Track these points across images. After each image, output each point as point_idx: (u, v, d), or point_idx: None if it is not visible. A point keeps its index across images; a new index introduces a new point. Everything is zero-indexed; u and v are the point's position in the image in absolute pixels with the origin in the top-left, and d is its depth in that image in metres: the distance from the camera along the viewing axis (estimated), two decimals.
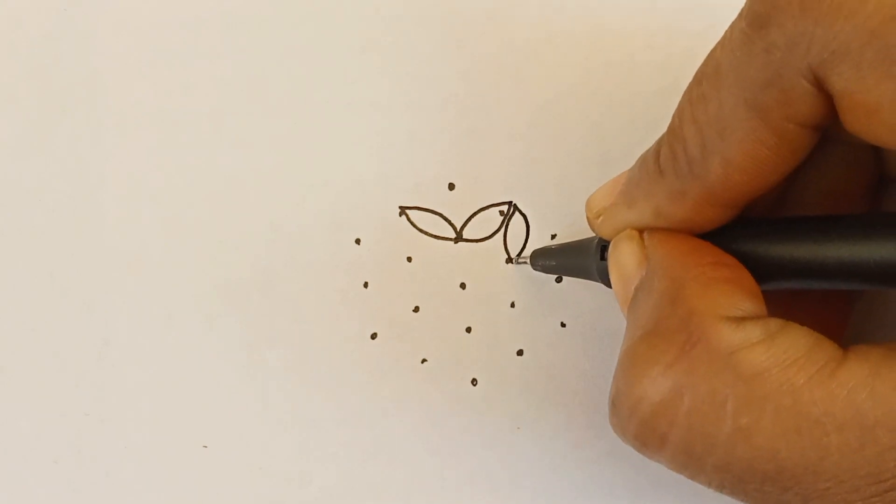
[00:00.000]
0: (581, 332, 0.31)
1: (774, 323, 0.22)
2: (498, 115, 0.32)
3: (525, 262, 0.31)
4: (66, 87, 0.32)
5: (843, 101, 0.20)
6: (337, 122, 0.32)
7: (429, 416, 0.31)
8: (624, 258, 0.25)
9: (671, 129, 0.23)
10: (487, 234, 0.32)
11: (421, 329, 0.32)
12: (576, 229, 0.32)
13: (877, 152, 0.27)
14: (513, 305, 0.32)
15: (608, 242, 0.26)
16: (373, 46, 0.32)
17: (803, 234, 0.23)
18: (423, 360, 0.32)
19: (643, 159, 0.25)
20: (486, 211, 0.32)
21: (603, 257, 0.27)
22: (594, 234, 0.28)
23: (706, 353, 0.21)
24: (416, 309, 0.32)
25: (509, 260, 0.32)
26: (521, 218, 0.32)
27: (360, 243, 0.32)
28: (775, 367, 0.21)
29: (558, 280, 0.32)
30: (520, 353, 0.32)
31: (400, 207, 0.32)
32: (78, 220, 0.32)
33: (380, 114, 0.32)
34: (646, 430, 0.22)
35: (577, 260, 0.29)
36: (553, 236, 0.32)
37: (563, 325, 0.32)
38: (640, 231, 0.25)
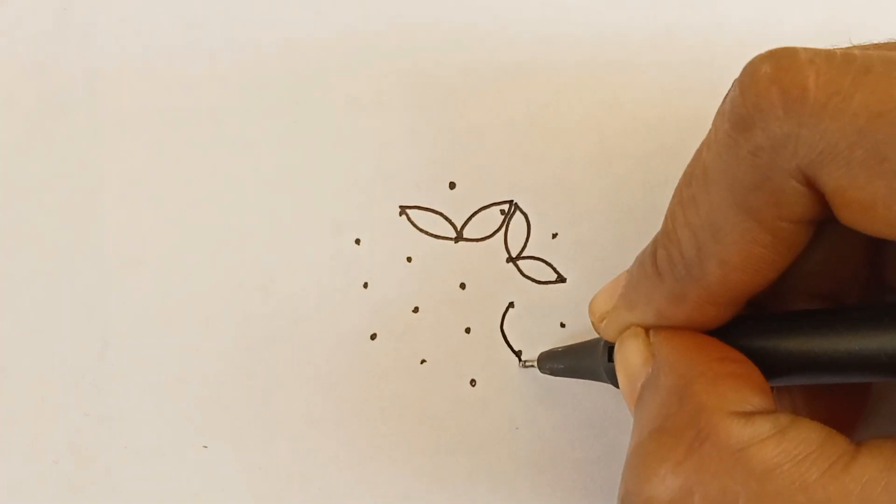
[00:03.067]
0: (581, 333, 0.31)
1: (784, 418, 0.21)
2: (498, 115, 0.32)
3: (532, 366, 0.31)
4: (66, 87, 0.32)
5: (837, 199, 0.20)
6: (337, 122, 0.32)
7: (428, 416, 0.31)
8: (630, 356, 0.25)
9: (665, 231, 0.23)
10: (488, 234, 0.32)
11: (420, 329, 0.32)
12: (577, 228, 0.32)
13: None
14: (512, 305, 0.32)
15: (614, 345, 0.26)
16: (373, 46, 0.32)
17: (810, 329, 0.23)
18: (423, 361, 0.32)
19: (640, 262, 0.25)
20: (487, 210, 0.32)
21: (610, 359, 0.27)
22: (598, 337, 0.28)
23: (716, 449, 0.21)
24: (416, 309, 0.32)
25: (510, 259, 0.32)
26: (522, 217, 0.32)
27: (360, 243, 0.32)
28: (787, 462, 0.20)
29: (558, 280, 0.32)
30: (519, 353, 0.32)
31: (400, 207, 0.32)
32: (78, 220, 0.32)
33: (380, 113, 0.32)
34: None
35: (585, 362, 0.29)
36: (554, 235, 0.32)
37: (562, 325, 0.32)
38: (647, 328, 0.25)
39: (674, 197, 0.23)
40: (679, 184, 0.23)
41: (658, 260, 0.24)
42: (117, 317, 0.32)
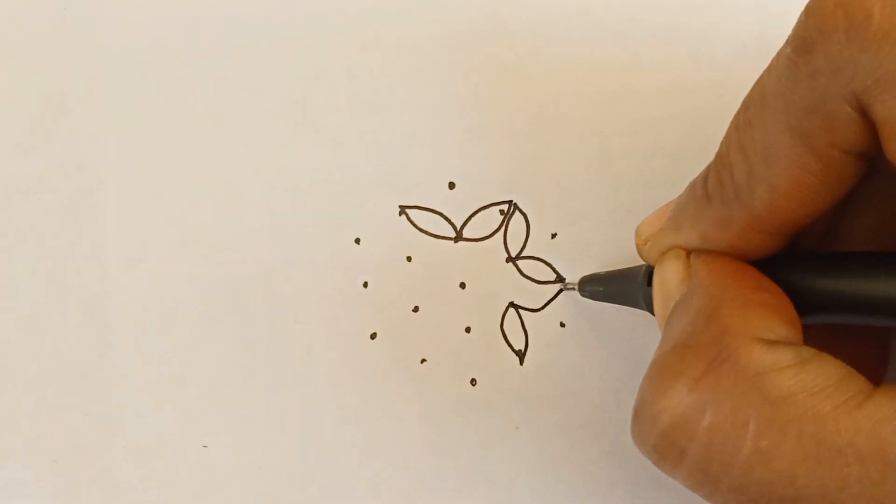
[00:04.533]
0: (580, 333, 0.31)
1: (807, 351, 0.21)
2: (498, 114, 0.32)
3: (573, 288, 0.31)
4: (66, 87, 0.32)
5: (885, 130, 0.20)
6: (337, 122, 0.32)
7: (428, 416, 0.31)
8: (667, 276, 0.25)
9: (719, 155, 0.23)
10: (488, 234, 0.32)
11: (420, 329, 0.32)
12: (576, 228, 0.32)
13: None
14: (512, 305, 0.32)
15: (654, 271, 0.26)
16: (373, 45, 0.32)
17: (850, 269, 0.23)
18: (423, 360, 0.32)
19: (691, 186, 0.25)
20: (487, 210, 0.32)
21: (650, 284, 0.27)
22: (642, 263, 0.28)
23: (734, 371, 0.21)
24: (416, 309, 0.32)
25: (509, 259, 0.32)
26: (522, 217, 0.32)
27: (360, 243, 0.32)
28: (802, 392, 0.20)
29: (558, 280, 0.32)
30: (519, 353, 0.32)
31: (400, 207, 0.32)
32: (78, 220, 0.32)
33: (380, 113, 0.32)
34: (665, 443, 0.22)
35: (625, 287, 0.29)
36: (553, 235, 0.32)
37: (562, 324, 0.32)
38: (688, 252, 0.25)
39: (731, 123, 0.23)
40: (738, 111, 0.23)
41: (709, 184, 0.24)
42: (117, 317, 0.32)
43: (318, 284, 0.32)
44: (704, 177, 0.24)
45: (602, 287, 0.30)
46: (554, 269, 0.32)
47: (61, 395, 0.32)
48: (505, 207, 0.32)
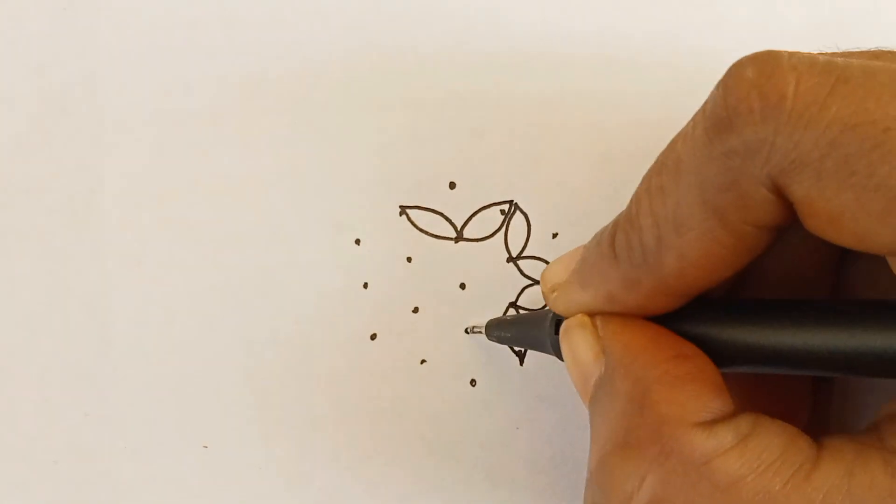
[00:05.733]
0: None
1: (745, 423, 0.21)
2: (499, 114, 0.32)
3: (480, 332, 0.31)
4: (66, 87, 0.32)
5: (804, 208, 0.20)
6: (337, 122, 0.32)
7: (428, 417, 0.31)
8: (579, 351, 0.25)
9: (628, 216, 0.23)
10: (488, 234, 0.32)
11: (420, 329, 0.32)
12: (577, 228, 0.32)
13: None
14: (512, 305, 0.32)
15: (562, 318, 0.26)
16: (373, 45, 0.32)
17: (761, 319, 0.23)
18: (423, 361, 0.32)
19: (598, 241, 0.25)
20: (487, 210, 0.32)
21: (557, 332, 0.26)
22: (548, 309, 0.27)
23: (681, 464, 0.21)
24: (416, 309, 0.32)
25: (510, 259, 0.32)
26: (522, 217, 0.32)
27: (360, 243, 0.32)
28: (750, 473, 0.21)
29: None
30: (519, 353, 0.32)
31: (400, 207, 0.32)
32: (78, 220, 0.32)
33: (380, 113, 0.32)
34: None
35: (532, 332, 0.28)
36: (554, 235, 0.32)
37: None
38: (593, 314, 0.25)
39: (642, 182, 0.23)
40: (649, 170, 0.23)
41: (616, 242, 0.24)
42: (117, 317, 0.32)
43: (318, 285, 0.32)
44: (612, 234, 0.24)
45: (508, 332, 0.30)
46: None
47: (61, 395, 0.32)
48: (505, 207, 0.32)
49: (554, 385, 0.31)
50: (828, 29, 0.32)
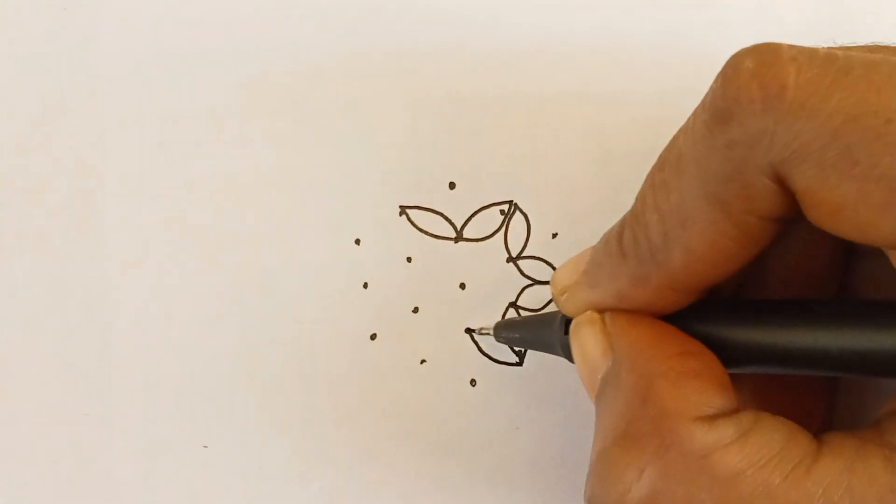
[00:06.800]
0: None
1: (747, 418, 0.21)
2: (499, 114, 0.32)
3: (488, 334, 0.31)
4: (66, 87, 0.32)
5: (806, 199, 0.20)
6: (337, 122, 0.32)
7: (428, 417, 0.31)
8: (588, 346, 0.25)
9: (634, 213, 0.23)
10: (488, 234, 0.32)
11: (420, 329, 0.32)
12: (577, 228, 0.32)
13: None
14: (512, 305, 0.32)
15: (571, 318, 0.26)
16: (373, 45, 0.32)
17: (769, 320, 0.23)
18: (423, 361, 0.32)
19: (606, 240, 0.25)
20: (487, 210, 0.32)
21: (566, 332, 0.26)
22: (557, 309, 0.27)
23: (681, 456, 0.21)
24: (416, 309, 0.32)
25: (510, 259, 0.32)
26: (522, 217, 0.32)
27: (360, 243, 0.32)
28: (750, 467, 0.21)
29: None
30: (519, 353, 0.32)
31: (400, 207, 0.32)
32: (78, 220, 0.32)
33: (380, 113, 0.32)
34: None
35: (541, 334, 0.28)
36: (554, 235, 0.32)
37: None
38: (602, 312, 0.25)
39: (646, 179, 0.23)
40: (653, 167, 0.23)
41: (624, 240, 0.24)
42: (117, 317, 0.32)
43: (318, 285, 0.32)
44: (619, 233, 0.24)
45: (518, 333, 0.30)
46: (555, 269, 0.32)
47: (61, 395, 0.32)
48: (505, 207, 0.32)
49: (554, 385, 0.31)
50: (827, 29, 0.32)
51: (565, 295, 0.26)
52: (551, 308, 0.31)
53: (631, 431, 0.22)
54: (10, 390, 0.32)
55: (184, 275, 0.32)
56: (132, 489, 0.32)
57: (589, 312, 0.25)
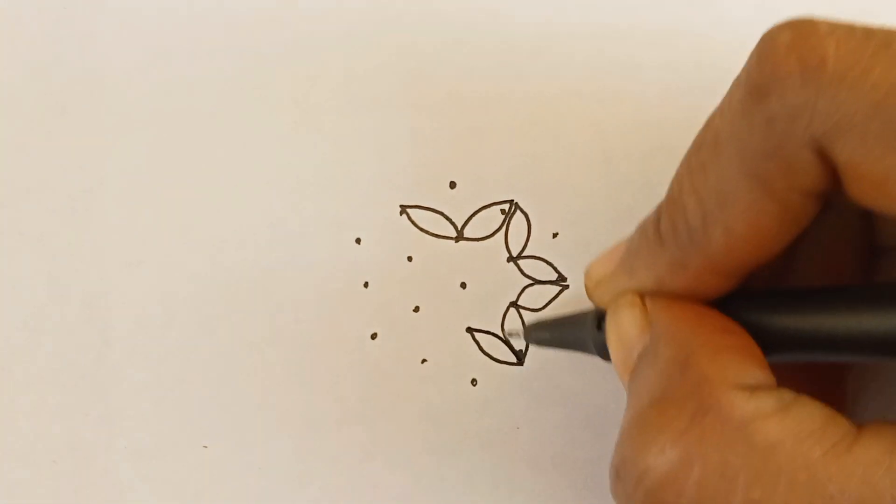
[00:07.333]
0: None
1: (787, 394, 0.21)
2: (499, 114, 0.32)
3: (518, 335, 0.31)
4: (66, 87, 0.32)
5: (848, 172, 0.20)
6: (337, 122, 0.32)
7: (429, 416, 0.31)
8: (625, 324, 0.24)
9: (671, 197, 0.23)
10: (489, 233, 0.32)
11: (421, 329, 0.32)
12: (577, 228, 0.32)
13: (869, 221, 0.26)
14: (513, 305, 0.32)
15: (605, 315, 0.26)
16: (373, 45, 0.32)
17: (809, 306, 0.22)
18: (423, 361, 0.32)
19: (643, 228, 0.24)
20: (488, 209, 0.32)
21: (600, 328, 0.26)
22: (590, 307, 0.27)
23: (718, 422, 0.21)
24: (417, 309, 0.32)
25: (510, 259, 0.32)
26: (523, 217, 0.32)
27: (360, 243, 0.32)
28: (789, 439, 0.20)
29: (559, 280, 0.32)
30: (520, 353, 0.32)
31: (401, 206, 0.32)
32: (78, 220, 0.32)
33: (380, 113, 0.32)
34: (652, 501, 0.21)
35: (573, 332, 0.28)
36: (555, 235, 0.32)
37: None
38: (642, 297, 0.25)
39: (681, 165, 0.23)
40: (688, 152, 0.23)
41: (661, 227, 0.23)
42: (117, 317, 0.32)
43: (318, 284, 0.32)
44: (656, 219, 0.24)
45: (549, 333, 0.29)
46: (555, 269, 0.32)
47: (61, 395, 0.32)
48: (506, 207, 0.32)
49: (554, 385, 0.31)
50: None
51: (601, 287, 0.26)
52: (552, 308, 0.31)
53: (667, 396, 0.22)
54: (10, 390, 0.32)
55: (184, 275, 0.32)
56: (132, 489, 0.32)
57: (629, 295, 0.25)
